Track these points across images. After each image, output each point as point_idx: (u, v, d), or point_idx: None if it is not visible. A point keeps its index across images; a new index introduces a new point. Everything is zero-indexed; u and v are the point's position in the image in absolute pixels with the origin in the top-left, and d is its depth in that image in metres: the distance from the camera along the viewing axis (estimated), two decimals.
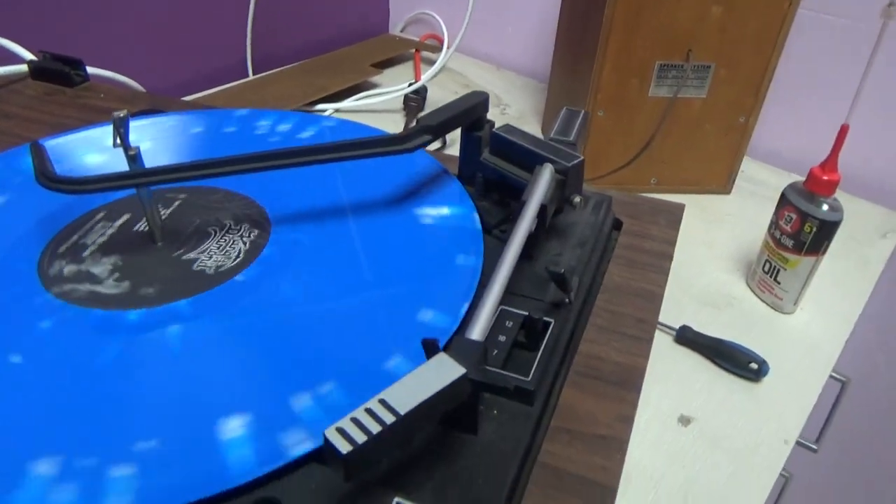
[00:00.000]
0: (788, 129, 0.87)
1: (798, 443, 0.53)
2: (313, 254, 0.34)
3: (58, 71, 0.56)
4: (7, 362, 0.28)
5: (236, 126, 0.46)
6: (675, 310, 0.62)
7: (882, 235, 0.76)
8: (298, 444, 0.24)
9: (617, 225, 0.41)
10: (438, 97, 0.93)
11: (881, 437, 1.00)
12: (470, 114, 0.37)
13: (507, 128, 0.38)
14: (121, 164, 0.32)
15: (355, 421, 0.21)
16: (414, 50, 1.08)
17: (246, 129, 0.46)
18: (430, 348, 0.24)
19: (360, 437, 0.20)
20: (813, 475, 1.04)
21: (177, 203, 0.38)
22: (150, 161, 0.33)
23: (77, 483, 0.23)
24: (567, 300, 0.32)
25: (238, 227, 0.35)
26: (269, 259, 0.33)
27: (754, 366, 0.55)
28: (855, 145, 0.69)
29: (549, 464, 0.27)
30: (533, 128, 0.91)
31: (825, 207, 0.57)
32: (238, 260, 0.33)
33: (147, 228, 0.35)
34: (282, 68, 0.96)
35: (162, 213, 0.37)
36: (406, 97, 0.90)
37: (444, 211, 0.37)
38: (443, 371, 0.23)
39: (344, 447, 0.20)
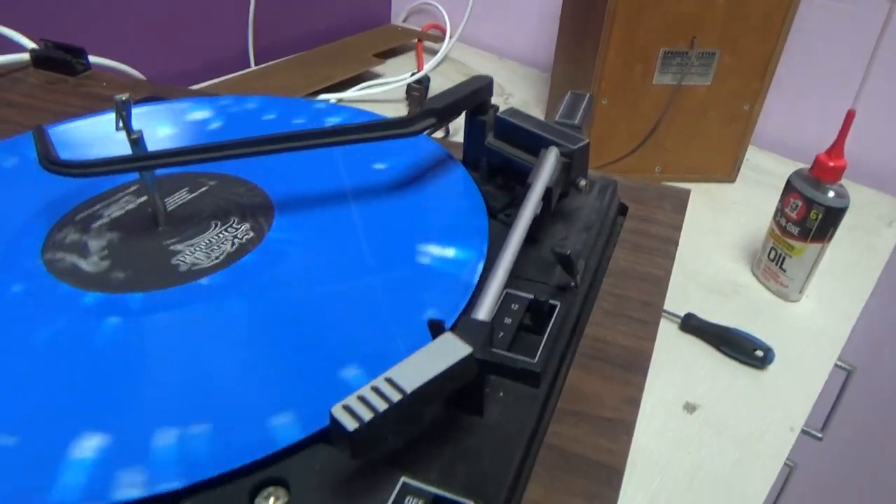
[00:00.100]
0: (793, 118, 0.87)
1: (803, 431, 0.53)
2: (299, 263, 0.32)
3: (60, 59, 0.56)
4: None
5: (241, 113, 0.46)
6: (680, 297, 0.62)
7: (888, 224, 0.76)
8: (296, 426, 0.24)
9: (622, 210, 0.41)
10: (441, 87, 0.92)
11: (886, 425, 1.00)
12: (474, 97, 0.37)
13: (512, 111, 0.37)
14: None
15: (362, 399, 0.21)
16: (416, 40, 1.07)
17: (252, 115, 0.46)
18: (435, 329, 0.24)
19: (367, 415, 0.20)
20: (817, 464, 1.04)
21: (202, 189, 0.37)
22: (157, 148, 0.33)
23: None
24: (573, 283, 0.32)
25: (239, 226, 0.35)
26: (246, 266, 0.32)
27: (760, 353, 0.55)
28: (861, 133, 0.69)
29: (556, 445, 0.27)
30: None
31: (831, 194, 0.57)
32: (216, 261, 0.32)
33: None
34: (284, 59, 0.96)
35: (186, 197, 0.37)
36: (409, 87, 0.90)
37: (449, 195, 0.37)
38: (449, 350, 0.23)
39: (350, 424, 0.20)
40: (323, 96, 0.86)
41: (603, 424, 0.28)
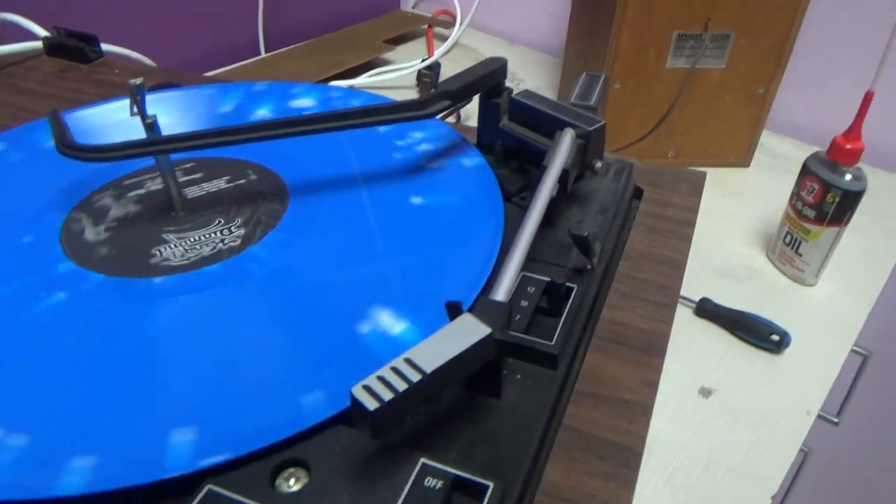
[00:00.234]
0: (809, 100, 0.86)
1: (819, 416, 0.52)
2: (258, 280, 0.31)
3: (72, 47, 0.56)
4: None
5: (254, 98, 0.46)
6: (694, 282, 0.62)
7: None
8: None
9: (637, 193, 0.41)
10: (452, 73, 0.92)
11: None
12: (489, 79, 0.37)
13: (527, 93, 0.37)
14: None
15: (381, 379, 0.21)
16: (426, 26, 1.07)
17: (268, 100, 0.46)
18: (453, 311, 0.24)
19: (387, 395, 0.20)
20: (833, 449, 1.04)
21: (241, 181, 0.37)
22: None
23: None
24: (589, 266, 0.32)
25: (237, 228, 0.33)
26: (208, 274, 0.31)
27: (776, 337, 0.55)
28: (879, 115, 0.68)
29: (575, 427, 0.26)
30: None
31: (848, 177, 0.56)
32: (185, 262, 0.31)
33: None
34: (294, 45, 0.96)
35: (222, 186, 0.36)
36: (419, 73, 0.89)
37: (463, 179, 0.37)
38: (468, 331, 0.23)
39: (371, 404, 0.20)
40: (334, 83, 0.86)
41: (621, 406, 0.27)
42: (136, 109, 0.32)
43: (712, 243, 0.67)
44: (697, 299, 0.59)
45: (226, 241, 0.33)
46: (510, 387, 0.26)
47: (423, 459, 0.23)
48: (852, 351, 0.58)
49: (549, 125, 0.35)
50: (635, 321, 0.32)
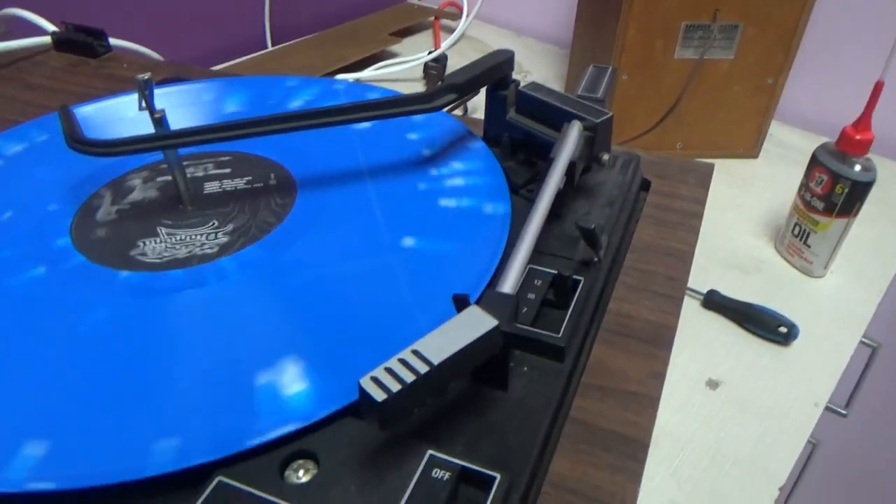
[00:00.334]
0: (819, 91, 0.85)
1: (827, 407, 0.52)
2: (215, 289, 0.30)
3: (81, 42, 0.56)
4: None
5: (263, 92, 0.46)
6: (702, 274, 0.61)
7: None
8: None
9: (645, 185, 0.41)
10: (458, 65, 0.92)
11: None
12: (495, 71, 0.37)
13: (534, 86, 0.37)
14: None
15: (389, 371, 0.21)
16: (433, 18, 1.06)
17: (275, 94, 0.46)
18: (460, 304, 0.24)
19: (395, 386, 0.20)
20: (841, 441, 1.04)
21: (259, 184, 0.36)
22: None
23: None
24: (596, 258, 0.32)
25: (224, 235, 0.33)
26: (169, 279, 0.30)
27: (784, 329, 0.54)
28: (889, 106, 0.68)
29: (581, 419, 0.27)
30: None
31: (857, 168, 0.56)
32: (157, 261, 0.31)
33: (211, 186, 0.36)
34: (300, 39, 0.96)
35: (240, 186, 0.36)
36: (426, 65, 0.89)
37: (470, 171, 0.37)
38: (475, 323, 0.23)
39: (379, 395, 0.20)
40: (340, 76, 0.86)
41: (628, 398, 0.28)
42: (144, 104, 0.32)
43: (720, 235, 0.67)
44: (705, 291, 0.59)
45: (205, 247, 0.32)
46: (517, 379, 0.27)
47: (430, 451, 0.23)
48: (861, 342, 0.58)
49: (556, 117, 0.35)
50: (642, 313, 0.32)
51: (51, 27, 0.59)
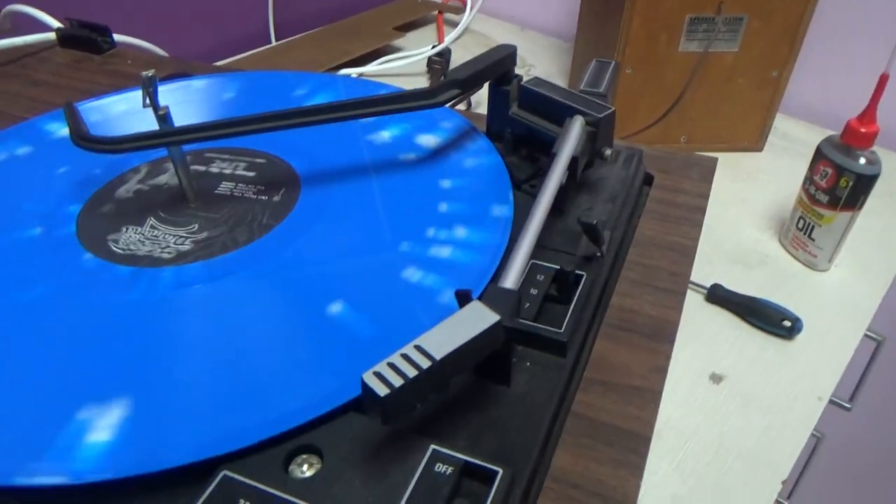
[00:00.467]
0: (824, 83, 0.85)
1: (831, 401, 0.52)
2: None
3: (85, 38, 0.56)
4: None
5: (265, 88, 0.46)
6: (706, 268, 0.61)
7: None
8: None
9: (648, 180, 0.41)
10: (462, 60, 0.92)
11: None
12: (498, 67, 0.37)
13: (536, 81, 0.37)
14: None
15: (392, 366, 0.21)
16: (436, 12, 1.06)
17: (278, 90, 0.46)
18: (463, 299, 0.24)
19: (397, 381, 0.21)
20: (845, 435, 1.03)
21: (264, 196, 0.35)
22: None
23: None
24: (599, 253, 0.32)
25: (190, 243, 0.32)
26: (111, 273, 0.31)
27: (788, 323, 0.54)
28: (894, 99, 0.67)
29: (584, 414, 0.27)
30: None
31: (862, 161, 0.56)
32: (118, 252, 0.32)
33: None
34: (304, 34, 0.96)
35: (249, 194, 0.35)
36: (429, 60, 0.89)
37: (473, 167, 0.37)
38: (477, 318, 0.23)
39: (381, 390, 0.20)
40: (344, 71, 0.86)
41: (630, 393, 0.28)
42: (148, 101, 0.32)
43: (724, 229, 0.67)
44: (709, 285, 0.59)
45: (166, 250, 0.32)
46: (520, 374, 0.27)
47: (433, 446, 0.23)
48: (865, 336, 0.58)
49: (559, 112, 0.35)
50: (645, 308, 0.32)
51: (55, 23, 0.59)
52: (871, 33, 0.79)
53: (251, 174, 0.37)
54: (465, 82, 0.35)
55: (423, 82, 0.88)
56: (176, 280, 0.30)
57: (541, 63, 0.97)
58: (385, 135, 0.41)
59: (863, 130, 0.55)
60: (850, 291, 0.60)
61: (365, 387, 0.21)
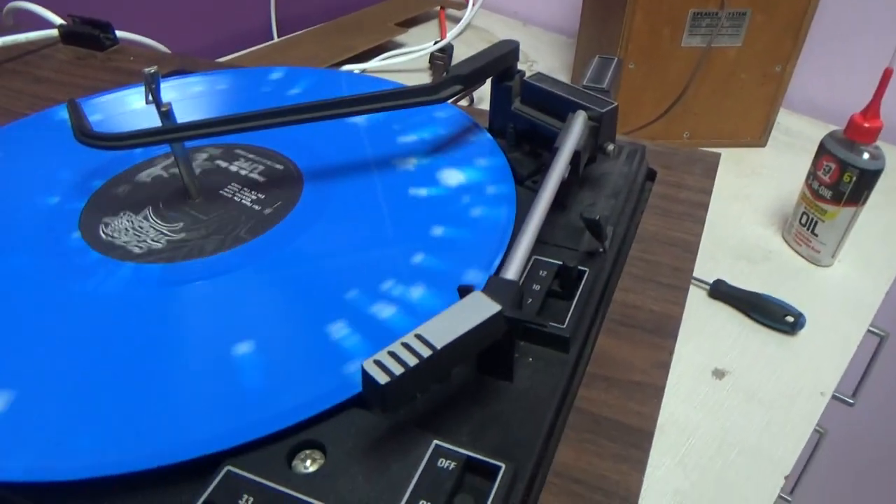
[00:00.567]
0: (827, 78, 0.85)
1: (834, 396, 0.52)
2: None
3: (87, 35, 0.56)
4: None
5: (267, 84, 0.46)
6: (709, 264, 0.61)
7: None
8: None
9: (651, 175, 0.41)
10: (464, 55, 0.92)
11: None
12: (500, 62, 0.37)
13: (539, 76, 0.37)
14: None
15: (392, 354, 0.21)
16: (439, 8, 1.06)
17: (279, 87, 0.46)
18: (465, 294, 0.24)
19: (398, 370, 0.21)
20: (848, 430, 1.03)
21: (257, 206, 0.35)
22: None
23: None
24: (601, 249, 0.32)
25: (165, 241, 0.32)
26: (80, 257, 0.31)
27: (790, 319, 0.54)
28: None
29: (586, 409, 0.27)
30: None
31: (866, 156, 0.56)
32: (97, 240, 0.32)
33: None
34: (306, 30, 0.96)
35: (247, 200, 0.35)
36: (432, 56, 0.89)
37: (475, 163, 0.37)
38: (478, 308, 0.23)
39: (382, 378, 0.20)
40: (346, 67, 0.86)
41: (632, 388, 0.28)
42: (150, 98, 0.32)
43: (727, 224, 0.67)
44: (712, 281, 0.59)
45: (142, 244, 0.32)
46: (522, 370, 0.27)
47: (436, 441, 0.23)
48: (868, 331, 0.58)
49: (562, 108, 0.35)
50: (647, 303, 0.32)
51: (58, 20, 0.59)
52: (876, 28, 0.79)
53: (261, 179, 0.36)
54: (468, 78, 0.35)
55: (425, 78, 0.88)
56: (131, 277, 0.30)
57: (543, 58, 0.96)
58: (386, 130, 0.40)
59: (866, 125, 0.55)
60: (853, 287, 0.60)
61: (365, 374, 0.21)
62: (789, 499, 0.63)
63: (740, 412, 0.49)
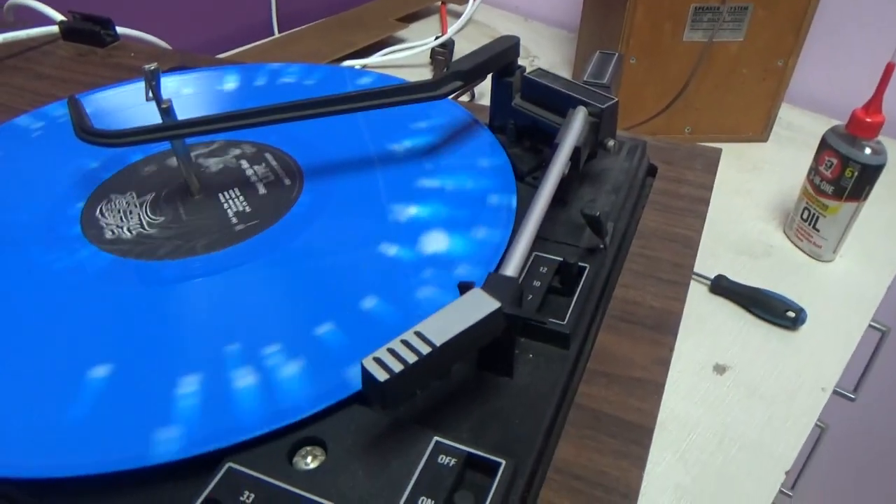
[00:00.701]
0: (829, 73, 0.84)
1: (835, 392, 0.52)
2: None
3: (88, 31, 0.56)
4: None
5: (268, 80, 0.46)
6: (710, 259, 0.61)
7: None
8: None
9: (651, 171, 0.41)
10: (465, 51, 0.91)
11: None
12: (501, 58, 0.37)
13: (540, 72, 0.37)
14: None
15: (392, 351, 0.21)
16: (440, 3, 1.06)
17: (281, 82, 0.46)
18: (465, 291, 0.24)
19: (397, 367, 0.21)
20: (849, 425, 1.04)
21: (244, 220, 0.34)
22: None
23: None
24: (602, 245, 0.32)
25: (137, 234, 0.32)
26: (63, 240, 0.32)
27: (791, 314, 0.54)
28: None
29: (586, 405, 0.27)
30: None
31: (867, 151, 0.55)
32: (93, 217, 0.33)
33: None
34: (307, 25, 0.96)
35: (240, 204, 0.35)
36: (433, 51, 0.89)
37: (476, 159, 0.37)
38: (478, 305, 0.23)
39: (381, 375, 0.20)
40: (347, 62, 0.86)
41: (633, 384, 0.28)
42: (151, 94, 0.32)
43: (729, 219, 0.67)
44: (713, 276, 0.59)
45: (116, 230, 0.33)
46: (523, 366, 0.27)
47: (436, 437, 0.23)
48: (870, 326, 0.58)
49: (562, 103, 0.35)
50: (648, 300, 0.32)
51: (58, 16, 0.59)
52: (878, 22, 0.78)
53: (262, 190, 0.35)
54: (469, 74, 0.35)
55: (426, 73, 0.88)
56: (86, 263, 0.31)
57: (544, 53, 0.96)
58: (387, 126, 0.40)
59: (868, 120, 0.55)
60: (854, 282, 0.60)
61: (365, 372, 0.21)
62: (790, 494, 0.63)
63: (741, 407, 0.49)
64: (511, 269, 0.25)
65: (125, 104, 0.43)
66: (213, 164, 0.38)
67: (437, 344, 0.21)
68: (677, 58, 0.71)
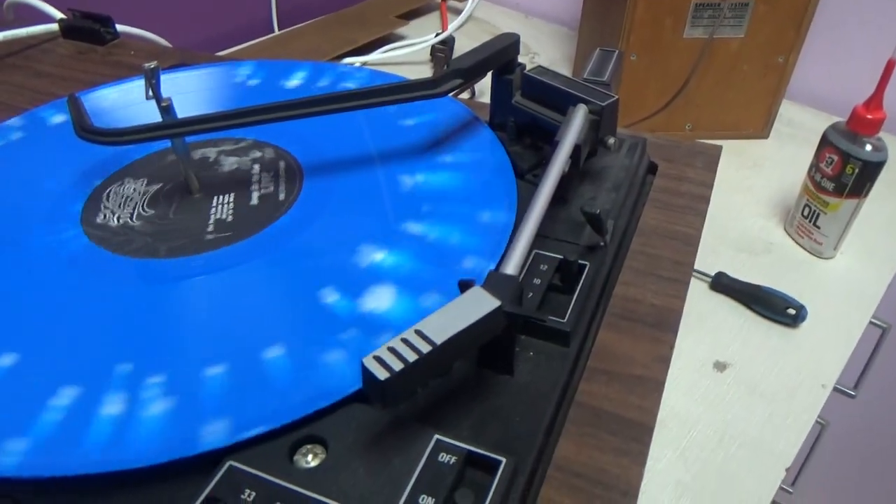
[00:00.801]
0: (830, 69, 0.84)
1: (836, 388, 0.52)
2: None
3: (88, 29, 0.56)
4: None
5: (267, 78, 0.46)
6: (710, 256, 0.61)
7: None
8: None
9: (652, 168, 0.41)
10: (466, 47, 0.91)
11: None
12: (501, 56, 0.37)
13: (540, 70, 0.37)
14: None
15: (392, 350, 0.21)
16: (440, 0, 1.05)
17: (281, 79, 0.46)
18: (465, 289, 0.24)
19: (397, 365, 0.21)
20: (849, 422, 1.04)
21: (231, 229, 0.33)
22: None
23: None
24: (602, 243, 0.32)
25: (125, 225, 0.32)
26: (64, 228, 0.32)
27: (792, 311, 0.54)
28: None
29: (587, 403, 0.27)
30: None
31: (868, 147, 0.55)
32: (98, 204, 0.33)
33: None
34: (306, 23, 0.95)
35: (229, 208, 0.34)
36: (433, 48, 0.89)
37: (475, 157, 0.37)
38: (478, 303, 0.23)
39: (381, 374, 0.20)
40: (347, 60, 0.86)
41: (633, 382, 0.28)
42: (151, 93, 0.32)
43: (729, 216, 0.67)
44: (713, 273, 0.59)
45: (110, 217, 0.33)
46: (523, 364, 0.27)
47: (437, 436, 0.23)
48: (870, 323, 0.58)
49: (562, 101, 0.35)
50: (648, 297, 0.32)
51: (58, 14, 0.59)
52: (879, 19, 0.78)
53: (255, 201, 0.34)
54: (469, 71, 0.35)
55: (426, 70, 0.88)
56: (68, 243, 0.32)
57: (545, 50, 0.96)
58: (387, 124, 0.40)
59: (869, 117, 0.55)
60: (855, 279, 0.60)
61: (365, 371, 0.21)
62: (791, 490, 0.63)
63: (742, 405, 0.49)
64: (511, 267, 0.25)
65: (125, 102, 0.43)
66: (229, 163, 0.37)
67: (438, 342, 0.21)
68: (678, 54, 0.71)
